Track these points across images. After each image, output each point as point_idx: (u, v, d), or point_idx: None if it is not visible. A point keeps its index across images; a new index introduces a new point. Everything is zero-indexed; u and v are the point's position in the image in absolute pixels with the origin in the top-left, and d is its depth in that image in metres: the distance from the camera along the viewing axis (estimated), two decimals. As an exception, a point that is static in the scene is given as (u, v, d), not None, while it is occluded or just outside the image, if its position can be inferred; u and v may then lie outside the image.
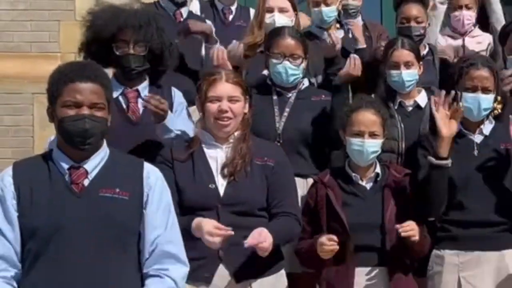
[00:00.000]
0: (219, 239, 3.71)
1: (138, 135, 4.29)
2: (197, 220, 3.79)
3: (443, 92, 4.18)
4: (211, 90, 3.95)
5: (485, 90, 4.26)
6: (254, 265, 3.84)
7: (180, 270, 3.23)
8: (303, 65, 4.70)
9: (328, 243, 3.98)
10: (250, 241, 3.70)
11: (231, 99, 3.94)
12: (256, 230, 3.74)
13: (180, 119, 4.37)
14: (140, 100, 4.40)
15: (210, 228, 3.72)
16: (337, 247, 3.98)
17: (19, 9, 7.32)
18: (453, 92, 4.19)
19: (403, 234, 3.98)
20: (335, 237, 3.99)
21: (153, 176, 3.24)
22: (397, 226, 4.00)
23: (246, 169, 3.91)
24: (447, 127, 4.13)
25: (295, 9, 5.26)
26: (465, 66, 4.31)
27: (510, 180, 4.24)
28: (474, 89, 4.26)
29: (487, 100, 4.27)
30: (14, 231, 3.10)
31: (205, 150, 3.96)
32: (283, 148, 4.36)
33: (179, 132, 4.21)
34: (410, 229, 3.99)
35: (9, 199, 3.11)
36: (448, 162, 4.12)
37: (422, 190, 4.15)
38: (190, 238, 3.70)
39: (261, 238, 3.72)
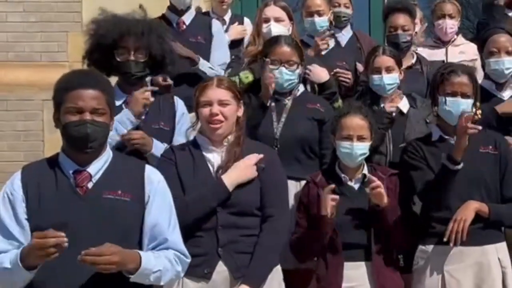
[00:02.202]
0: None
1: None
2: None
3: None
4: (203, 96, 4.04)
5: (464, 96, 4.36)
6: (251, 261, 3.92)
7: (184, 261, 3.36)
8: (299, 71, 4.84)
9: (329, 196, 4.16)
10: None
11: (221, 103, 3.99)
12: None
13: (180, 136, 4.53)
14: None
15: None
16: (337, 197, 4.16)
17: (30, 21, 7.44)
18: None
19: (371, 189, 4.18)
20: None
21: (154, 178, 3.34)
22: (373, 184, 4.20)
23: None
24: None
25: (291, 19, 5.38)
26: (446, 73, 4.41)
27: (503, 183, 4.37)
28: (454, 94, 4.36)
29: (466, 104, 4.35)
30: (24, 233, 3.19)
31: (204, 153, 4.04)
32: (280, 153, 4.48)
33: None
34: (376, 185, 4.18)
35: (18, 203, 3.21)
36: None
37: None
38: (192, 235, 3.83)
39: None
